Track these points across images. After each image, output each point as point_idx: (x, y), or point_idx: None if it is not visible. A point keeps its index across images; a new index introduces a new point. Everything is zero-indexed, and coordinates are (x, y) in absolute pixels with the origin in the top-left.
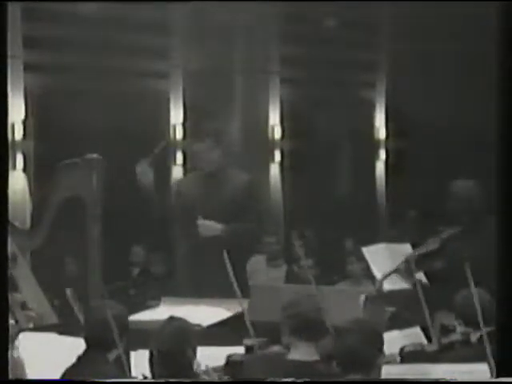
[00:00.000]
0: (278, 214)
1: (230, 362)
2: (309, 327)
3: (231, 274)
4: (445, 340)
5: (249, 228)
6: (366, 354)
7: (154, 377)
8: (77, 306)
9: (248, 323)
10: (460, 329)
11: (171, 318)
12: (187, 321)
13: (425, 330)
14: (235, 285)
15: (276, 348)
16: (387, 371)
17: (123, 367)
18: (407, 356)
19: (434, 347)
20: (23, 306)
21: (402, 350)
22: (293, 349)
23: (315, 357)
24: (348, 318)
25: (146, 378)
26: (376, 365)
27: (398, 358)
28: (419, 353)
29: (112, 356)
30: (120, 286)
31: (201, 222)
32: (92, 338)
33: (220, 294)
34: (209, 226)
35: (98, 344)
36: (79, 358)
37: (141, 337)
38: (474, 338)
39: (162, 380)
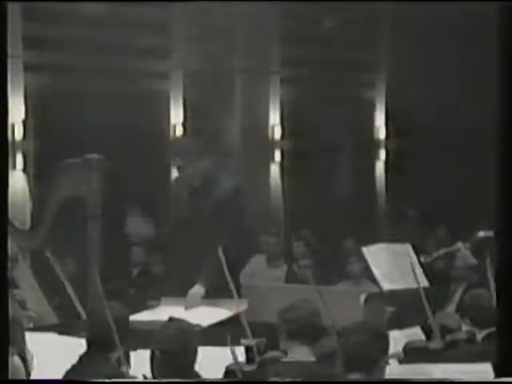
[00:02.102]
0: (278, 214)
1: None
2: (306, 332)
3: (226, 270)
4: (449, 338)
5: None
6: (371, 354)
7: (154, 377)
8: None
9: (246, 324)
10: (465, 327)
11: (172, 319)
12: (188, 322)
13: (424, 330)
14: (229, 280)
15: (273, 353)
16: (387, 371)
17: (124, 367)
18: (410, 352)
19: (437, 345)
20: (23, 305)
21: (405, 346)
22: (289, 352)
23: (311, 358)
24: (352, 319)
25: (146, 378)
26: (380, 366)
27: (402, 355)
28: (423, 350)
29: (115, 356)
30: (120, 286)
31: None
32: (94, 338)
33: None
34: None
35: (100, 344)
36: (81, 358)
37: (141, 337)
38: (479, 336)
39: (162, 380)
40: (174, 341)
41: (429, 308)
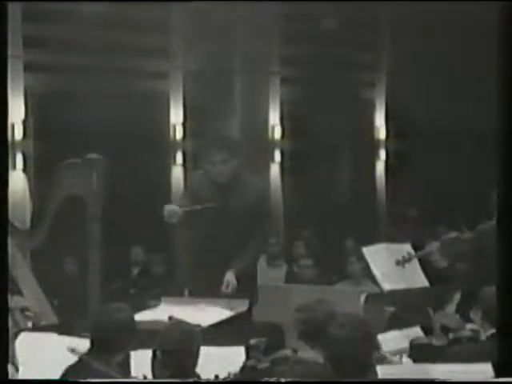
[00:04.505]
0: (278, 214)
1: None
2: (319, 333)
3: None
4: (453, 336)
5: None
6: (359, 354)
7: (155, 377)
8: None
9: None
10: (470, 326)
11: (173, 319)
12: (190, 323)
13: (425, 330)
14: None
15: (284, 352)
16: (387, 371)
17: (126, 368)
18: (415, 349)
19: (442, 342)
20: (24, 307)
21: (411, 343)
22: (300, 352)
23: (320, 361)
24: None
25: (146, 378)
26: (371, 364)
27: (407, 352)
28: (427, 346)
29: (116, 359)
30: (120, 286)
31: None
32: (99, 340)
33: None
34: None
35: (104, 347)
36: (81, 359)
37: (141, 337)
38: (483, 335)
39: (162, 380)
40: (177, 342)
41: (432, 308)
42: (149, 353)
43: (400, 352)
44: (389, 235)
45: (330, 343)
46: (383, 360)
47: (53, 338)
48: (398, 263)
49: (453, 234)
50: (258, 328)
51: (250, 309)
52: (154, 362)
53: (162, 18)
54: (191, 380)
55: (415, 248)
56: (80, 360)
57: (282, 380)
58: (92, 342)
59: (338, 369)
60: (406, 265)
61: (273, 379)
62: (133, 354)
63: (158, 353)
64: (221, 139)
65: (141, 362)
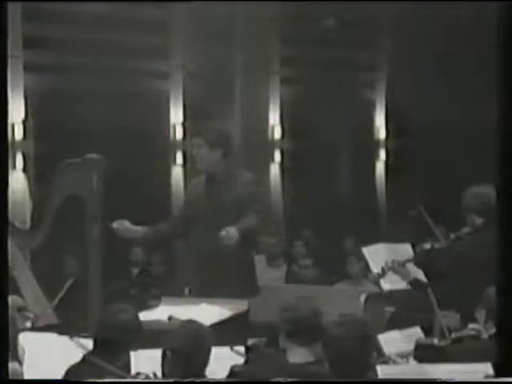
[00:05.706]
0: (278, 214)
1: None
2: (305, 331)
3: None
4: (455, 335)
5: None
6: (358, 354)
7: (164, 376)
8: None
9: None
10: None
11: (173, 318)
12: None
13: (424, 330)
14: None
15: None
16: (386, 371)
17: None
18: (420, 350)
19: (445, 342)
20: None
21: (417, 343)
22: (289, 352)
23: (311, 359)
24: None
25: (156, 376)
26: (370, 364)
27: (411, 353)
28: (432, 347)
29: (120, 363)
30: (120, 286)
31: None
32: (103, 341)
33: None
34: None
35: (107, 348)
36: (84, 359)
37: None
38: (485, 334)
39: (162, 380)
40: (190, 340)
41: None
42: (149, 353)
43: (401, 352)
44: (389, 235)
45: (330, 343)
46: (387, 362)
47: (53, 337)
48: (373, 280)
49: (427, 245)
50: (258, 328)
51: (249, 309)
52: (164, 362)
53: (161, 18)
54: (190, 380)
55: (415, 248)
56: (83, 360)
57: (285, 380)
58: (95, 343)
59: (337, 369)
60: (381, 280)
61: (273, 379)
62: (132, 353)
63: (168, 352)
64: (209, 129)
65: (141, 361)
